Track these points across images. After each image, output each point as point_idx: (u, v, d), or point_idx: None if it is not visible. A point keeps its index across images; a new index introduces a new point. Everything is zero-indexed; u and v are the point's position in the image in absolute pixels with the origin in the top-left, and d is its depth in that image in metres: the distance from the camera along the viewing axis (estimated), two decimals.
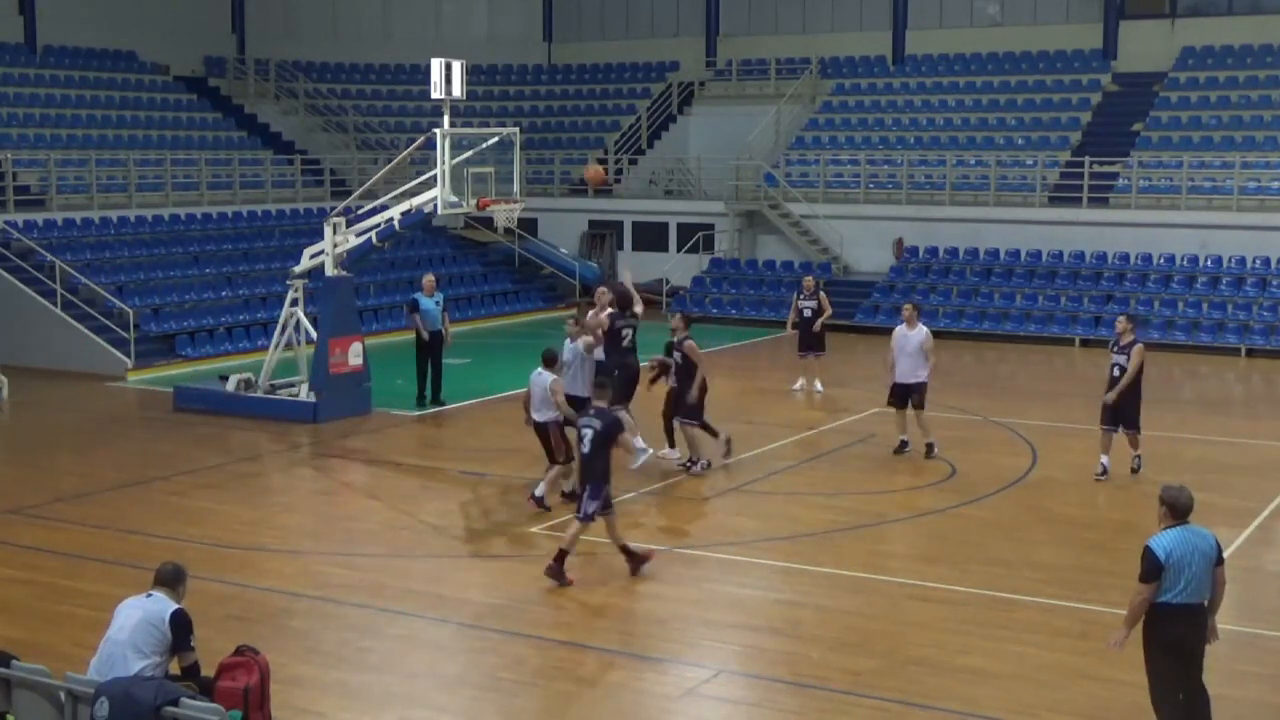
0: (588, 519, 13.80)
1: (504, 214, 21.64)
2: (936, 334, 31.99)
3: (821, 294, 24.80)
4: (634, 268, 38.52)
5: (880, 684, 11.11)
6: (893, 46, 41.84)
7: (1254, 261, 31.73)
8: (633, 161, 41.34)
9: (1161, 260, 32.58)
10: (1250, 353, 29.55)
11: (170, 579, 9.18)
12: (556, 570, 13.69)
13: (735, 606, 13.29)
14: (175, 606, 8.99)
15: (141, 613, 8.91)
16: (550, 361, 16.16)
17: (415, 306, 22.82)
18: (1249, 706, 10.91)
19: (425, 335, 22.69)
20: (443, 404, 22.94)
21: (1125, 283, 32.52)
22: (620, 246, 39.57)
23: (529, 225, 37.44)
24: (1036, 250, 33.96)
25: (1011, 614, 12.88)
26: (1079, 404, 24.05)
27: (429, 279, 23.51)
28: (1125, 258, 32.96)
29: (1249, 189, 33.12)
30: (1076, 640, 12.09)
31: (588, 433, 13.86)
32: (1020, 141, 37.24)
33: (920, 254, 35.13)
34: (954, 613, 12.87)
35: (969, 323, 32.48)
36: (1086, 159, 34.52)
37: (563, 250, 38.62)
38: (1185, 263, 32.35)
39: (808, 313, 24.40)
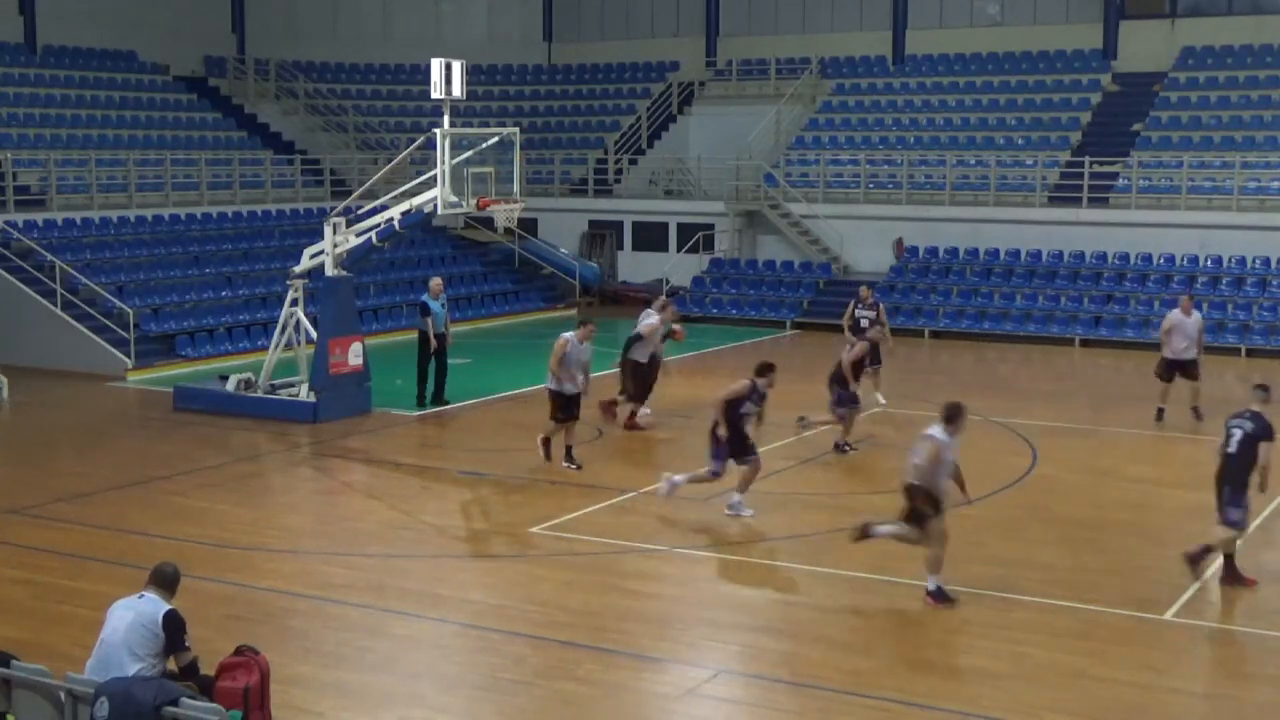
0: (1235, 525, 13.41)
1: (504, 214, 21.65)
2: (936, 334, 32.34)
3: (881, 305, 24.29)
4: (633, 267, 38.94)
5: (880, 684, 11.11)
6: (893, 46, 41.84)
7: (1254, 262, 31.74)
8: (633, 161, 41.34)
9: (1161, 260, 32.59)
10: (1250, 353, 29.55)
11: (166, 580, 9.18)
12: (1234, 575, 13.52)
13: (735, 606, 13.29)
14: (167, 607, 8.97)
15: (134, 614, 8.90)
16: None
17: (427, 309, 22.83)
18: (1254, 708, 10.91)
19: (434, 339, 22.72)
20: (446, 403, 22.96)
21: (1125, 283, 32.52)
22: (620, 247, 39.58)
23: (529, 225, 37.44)
24: (1036, 250, 33.97)
25: (1011, 614, 12.87)
26: (1079, 404, 24.09)
27: (436, 282, 23.48)
28: (1125, 258, 32.97)
29: (1249, 189, 33.12)
30: (1076, 640, 12.08)
31: (1237, 433, 13.44)
32: (1020, 141, 37.25)
33: (920, 254, 35.13)
34: (954, 613, 12.86)
35: (969, 322, 32.49)
36: (1086, 159, 34.53)
37: (563, 250, 38.61)
38: (1185, 263, 32.35)
39: (865, 323, 23.55)
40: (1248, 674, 11.57)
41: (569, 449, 18.58)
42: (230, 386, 22.71)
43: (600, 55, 45.61)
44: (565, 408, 18.48)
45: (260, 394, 22.47)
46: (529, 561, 14.62)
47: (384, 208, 22.73)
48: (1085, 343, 31.16)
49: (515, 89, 45.18)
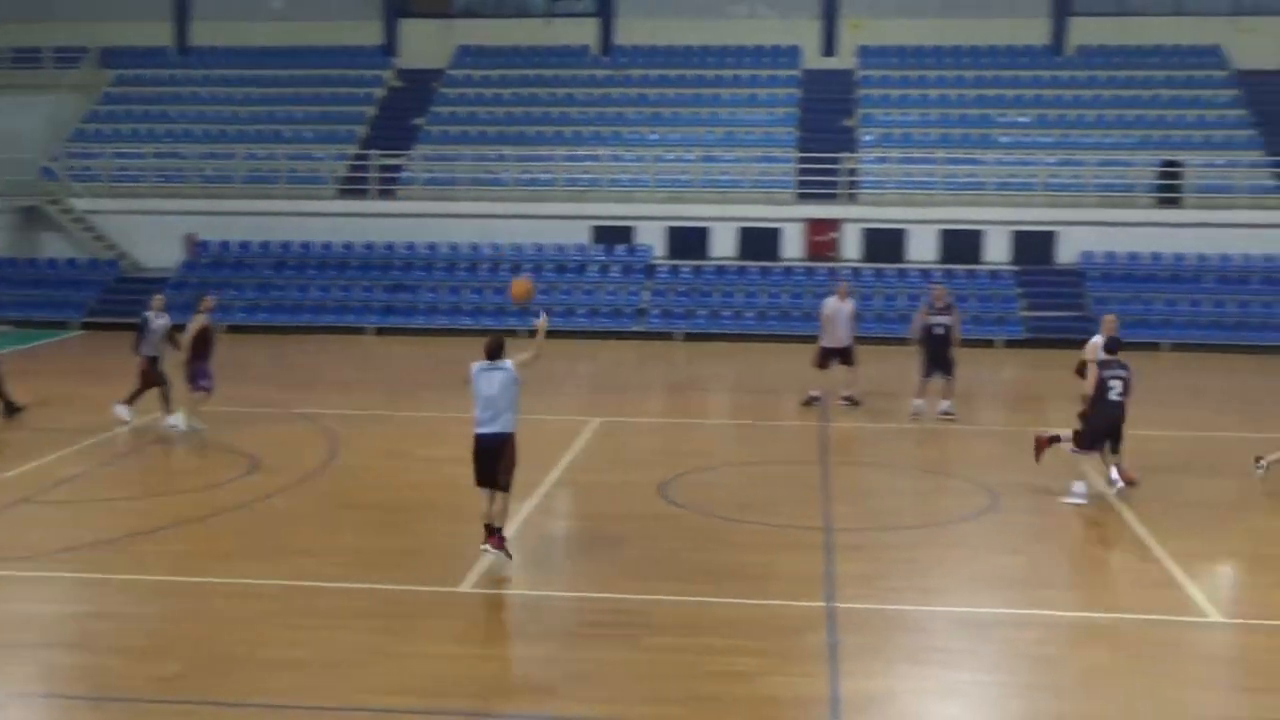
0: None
1: None
2: (234, 328, 32.06)
3: (955, 309, 22.27)
4: None
5: (188, 687, 10.96)
6: (177, 37, 40.99)
7: (531, 248, 34.12)
8: None
9: (446, 249, 34.15)
10: (580, 335, 31.55)
11: None
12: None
13: (26, 625, 12.58)
14: None
15: None
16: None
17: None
18: (537, 663, 11.71)
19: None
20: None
21: (414, 271, 33.78)
22: None
23: None
24: (329, 242, 34.54)
25: (317, 601, 13.08)
26: (375, 391, 24.80)
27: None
28: (412, 247, 34.25)
29: (522, 180, 35.37)
30: (377, 620, 12.47)
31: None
32: (309, 135, 37.66)
33: (213, 248, 34.71)
34: (261, 606, 12.90)
35: (265, 316, 32.51)
36: (373, 152, 35.52)
37: None
38: (468, 250, 34.10)
39: (940, 330, 21.70)
40: (532, 633, 12.44)
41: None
42: None
43: None
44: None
45: None
46: None
47: None
48: (380, 330, 32.09)
49: None
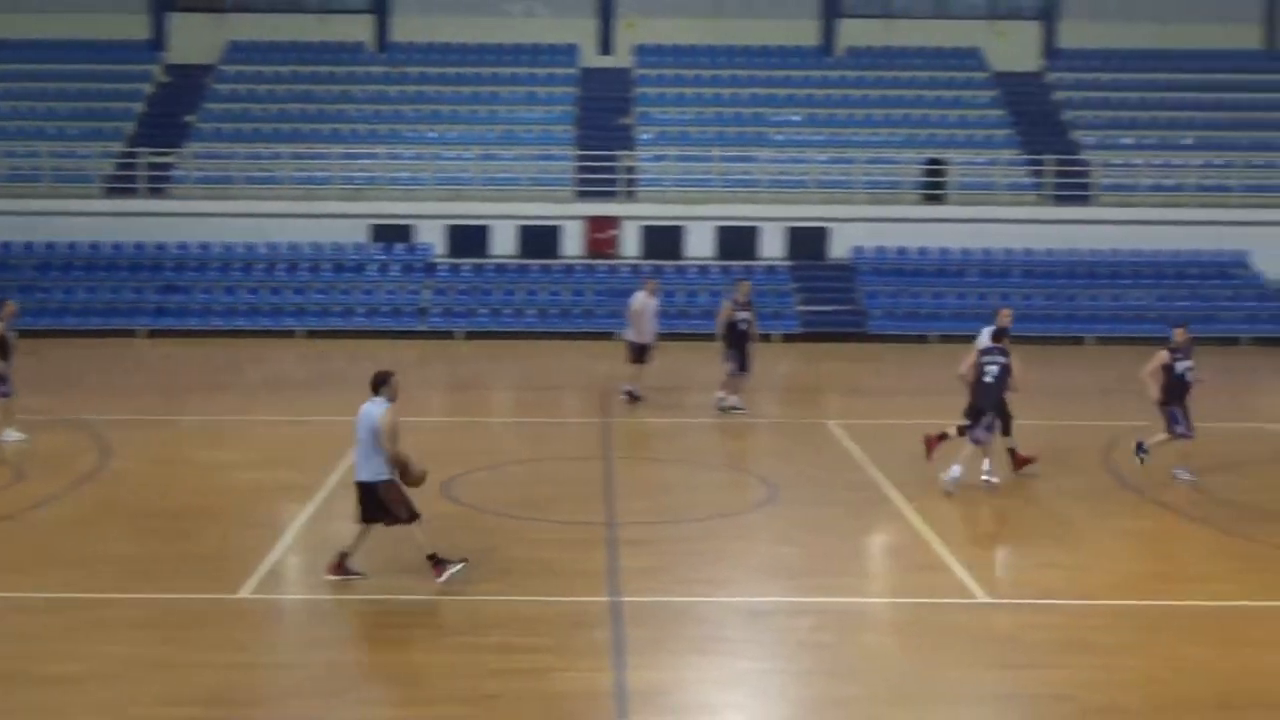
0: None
1: None
2: None
3: (753, 305, 22.31)
4: None
5: None
6: None
7: (308, 247, 33.62)
8: None
9: (221, 249, 33.45)
10: (314, 334, 31.25)
11: None
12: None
13: None
14: None
15: None
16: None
17: None
18: (323, 668, 11.59)
19: None
20: None
21: (187, 272, 33.02)
22: None
23: None
24: (96, 242, 33.52)
25: (91, 613, 12.71)
26: (149, 394, 24.20)
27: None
28: (185, 247, 33.45)
29: (297, 178, 34.85)
30: (156, 630, 12.17)
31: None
32: (73, 132, 36.46)
33: None
34: (32, 620, 12.48)
35: (29, 319, 31.08)
36: (141, 150, 34.56)
37: None
38: (243, 250, 33.48)
39: (744, 325, 21.92)
40: (316, 638, 12.31)
41: None
42: None
43: None
44: None
45: None
46: None
47: None
48: (153, 333, 31.28)
49: None
